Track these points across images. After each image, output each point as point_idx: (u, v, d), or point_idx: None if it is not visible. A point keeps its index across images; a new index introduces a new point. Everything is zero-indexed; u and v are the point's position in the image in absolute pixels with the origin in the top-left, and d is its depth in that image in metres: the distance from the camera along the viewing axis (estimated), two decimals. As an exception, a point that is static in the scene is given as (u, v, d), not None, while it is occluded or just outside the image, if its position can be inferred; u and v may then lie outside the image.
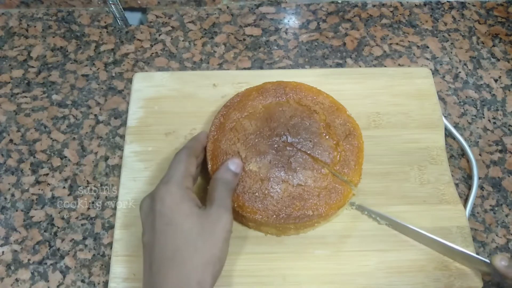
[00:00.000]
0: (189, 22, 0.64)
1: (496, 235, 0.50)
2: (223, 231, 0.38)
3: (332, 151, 0.46)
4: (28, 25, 0.63)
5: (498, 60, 0.61)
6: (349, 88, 0.56)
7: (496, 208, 0.52)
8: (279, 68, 0.60)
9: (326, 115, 0.49)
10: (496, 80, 0.60)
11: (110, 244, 0.48)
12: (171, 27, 0.64)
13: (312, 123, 0.48)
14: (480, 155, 0.55)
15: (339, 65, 0.61)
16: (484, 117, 0.57)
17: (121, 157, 0.53)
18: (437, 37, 0.63)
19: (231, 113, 0.49)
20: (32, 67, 0.60)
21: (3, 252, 0.49)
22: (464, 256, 0.45)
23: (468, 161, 0.54)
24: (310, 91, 0.51)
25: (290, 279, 0.46)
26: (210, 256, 0.37)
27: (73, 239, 0.49)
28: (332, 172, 0.46)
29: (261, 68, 0.60)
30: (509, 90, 0.59)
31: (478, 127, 0.56)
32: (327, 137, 0.47)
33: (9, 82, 0.59)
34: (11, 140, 0.55)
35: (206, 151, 0.47)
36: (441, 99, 0.58)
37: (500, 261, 0.41)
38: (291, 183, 0.45)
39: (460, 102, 0.58)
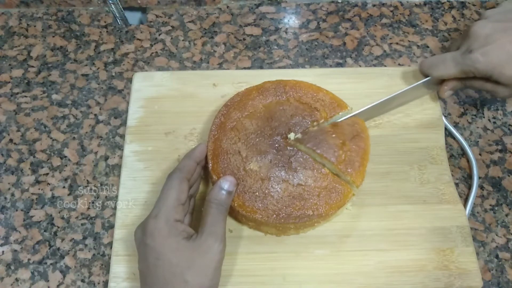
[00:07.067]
0: (189, 21, 0.64)
1: (496, 235, 0.50)
2: (213, 261, 0.38)
3: (337, 149, 0.46)
4: (28, 24, 0.63)
5: (498, 59, 0.61)
6: (349, 87, 0.56)
7: (496, 208, 0.52)
8: (279, 67, 0.60)
9: (327, 112, 0.49)
10: (496, 80, 0.60)
11: (110, 244, 0.48)
12: (171, 26, 0.64)
13: (313, 122, 0.48)
14: (480, 154, 0.55)
15: (339, 65, 0.61)
16: (484, 117, 0.57)
17: (121, 157, 0.53)
18: (437, 37, 0.63)
19: (232, 113, 0.49)
20: (32, 66, 0.60)
21: (3, 252, 0.49)
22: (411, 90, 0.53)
23: (468, 160, 0.54)
24: (310, 88, 0.51)
25: (290, 278, 0.46)
26: (199, 287, 0.38)
27: (73, 238, 0.49)
28: (335, 171, 0.46)
29: (261, 67, 0.60)
30: (509, 90, 0.59)
31: (478, 127, 0.56)
32: (333, 135, 0.47)
33: (9, 82, 0.59)
34: (11, 140, 0.55)
35: (207, 152, 0.47)
36: (441, 98, 0.58)
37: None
38: (291, 182, 0.45)
39: (460, 102, 0.58)
